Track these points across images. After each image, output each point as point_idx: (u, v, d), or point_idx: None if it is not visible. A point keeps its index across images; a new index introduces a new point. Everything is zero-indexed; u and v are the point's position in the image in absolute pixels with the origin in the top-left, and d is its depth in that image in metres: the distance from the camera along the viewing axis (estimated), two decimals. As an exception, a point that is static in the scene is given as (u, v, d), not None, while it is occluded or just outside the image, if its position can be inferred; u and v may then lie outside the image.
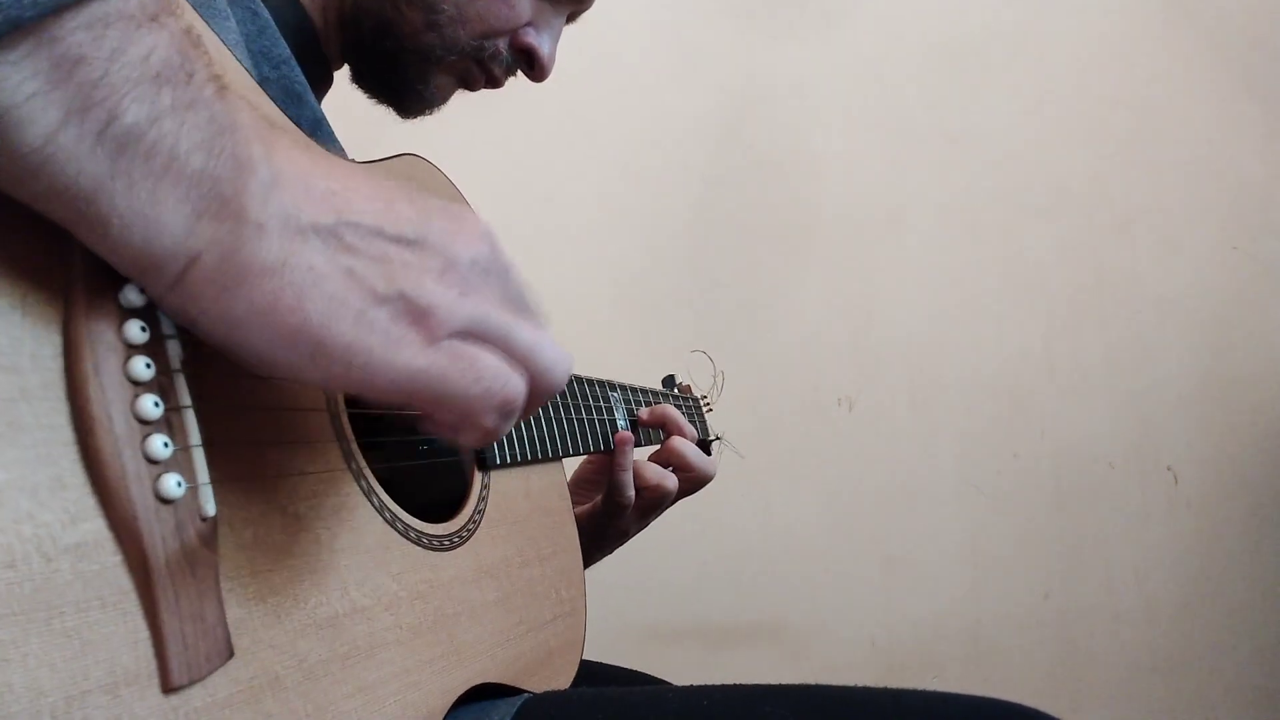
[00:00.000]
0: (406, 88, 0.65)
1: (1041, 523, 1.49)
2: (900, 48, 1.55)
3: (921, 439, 1.50)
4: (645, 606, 1.44)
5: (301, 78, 0.55)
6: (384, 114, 0.69)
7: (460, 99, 0.71)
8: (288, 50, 0.55)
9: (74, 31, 0.24)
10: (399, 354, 0.31)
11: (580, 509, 0.80)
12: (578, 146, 1.50)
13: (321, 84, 0.68)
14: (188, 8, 0.30)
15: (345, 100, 0.69)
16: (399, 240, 0.32)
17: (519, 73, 0.68)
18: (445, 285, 0.32)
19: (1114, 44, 1.54)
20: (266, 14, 0.55)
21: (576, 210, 1.50)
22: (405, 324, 0.31)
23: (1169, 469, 1.48)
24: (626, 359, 1.43)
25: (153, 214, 0.27)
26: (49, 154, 0.25)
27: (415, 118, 0.69)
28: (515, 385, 0.34)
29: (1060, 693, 1.46)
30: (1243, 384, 1.49)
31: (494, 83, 0.67)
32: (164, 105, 0.26)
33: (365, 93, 0.68)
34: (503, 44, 0.64)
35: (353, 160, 0.34)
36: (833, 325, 1.51)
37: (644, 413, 0.83)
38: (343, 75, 0.69)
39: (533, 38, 0.65)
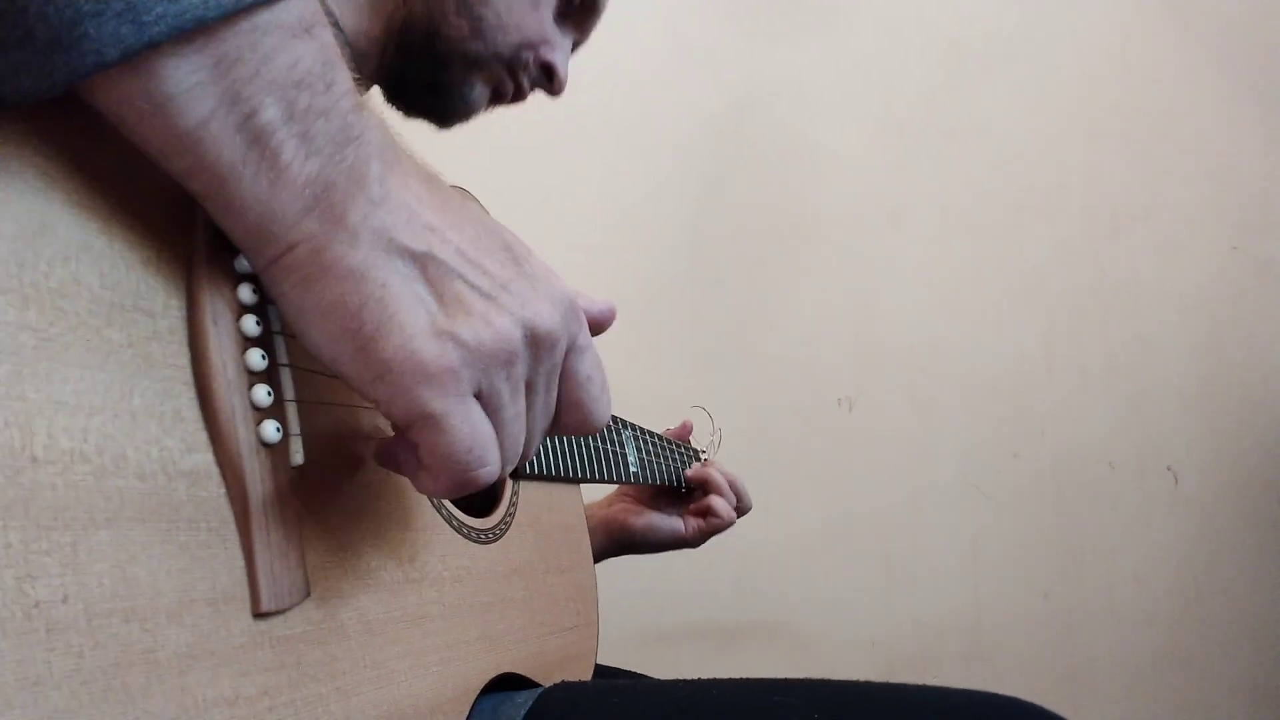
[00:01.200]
0: (451, 91, 0.69)
1: (1041, 523, 1.49)
2: (900, 48, 1.55)
3: (921, 439, 1.50)
4: (645, 607, 1.44)
5: None
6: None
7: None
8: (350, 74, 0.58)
9: (237, 35, 0.28)
10: (424, 389, 0.32)
11: (627, 513, 0.93)
12: (577, 146, 1.50)
13: None
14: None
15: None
16: (477, 288, 0.33)
17: (537, 91, 0.74)
18: (499, 343, 0.33)
19: (1114, 44, 1.55)
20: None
21: (576, 210, 1.50)
22: (443, 365, 0.32)
23: (1169, 469, 1.49)
24: (626, 359, 1.43)
25: (268, 202, 0.30)
26: (199, 137, 0.28)
27: (452, 126, 0.73)
28: (489, 472, 0.35)
29: (1060, 693, 1.46)
30: (1243, 384, 1.49)
31: (520, 94, 0.72)
32: (299, 109, 0.30)
33: (402, 110, 0.72)
34: (531, 57, 0.70)
35: (473, 202, 0.36)
36: (833, 325, 1.52)
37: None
38: None
39: (552, 54, 0.71)
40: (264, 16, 0.28)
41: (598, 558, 0.93)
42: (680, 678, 0.55)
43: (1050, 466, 1.49)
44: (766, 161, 1.54)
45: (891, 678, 0.55)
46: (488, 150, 1.46)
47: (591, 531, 0.91)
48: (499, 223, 0.37)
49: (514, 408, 0.35)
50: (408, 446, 0.36)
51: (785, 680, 0.52)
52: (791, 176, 1.53)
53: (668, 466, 0.93)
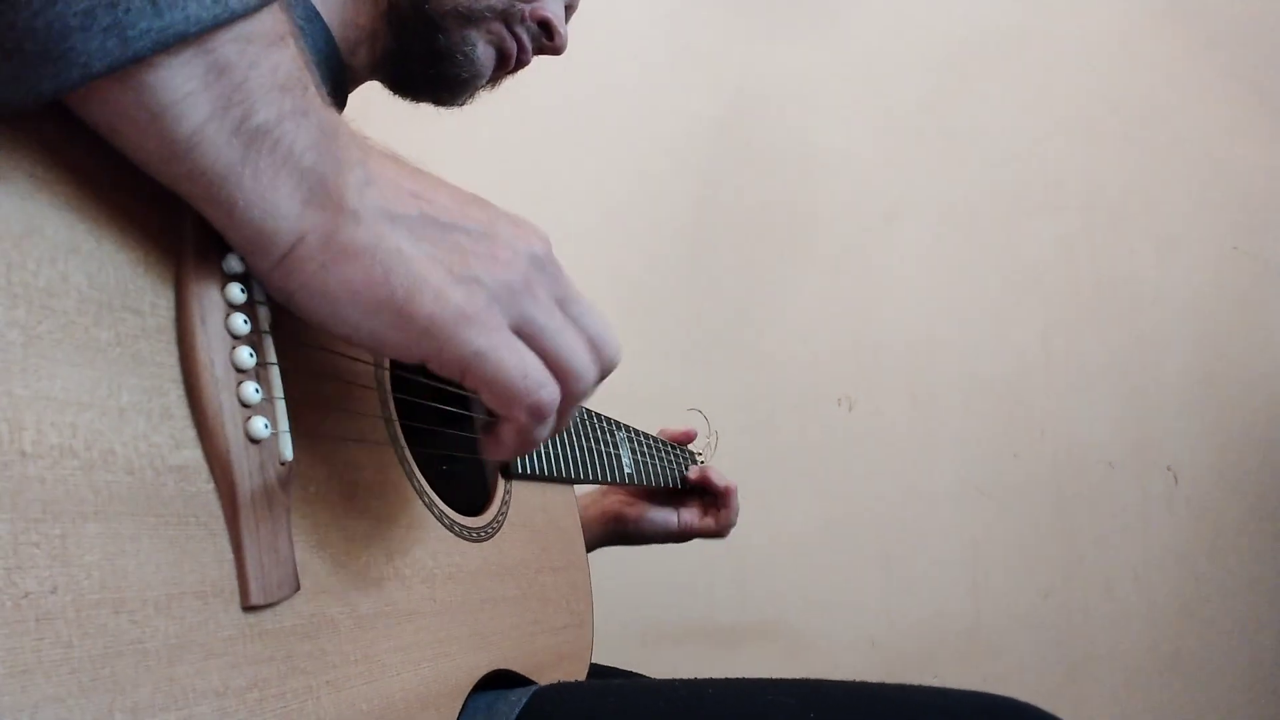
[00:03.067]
0: (453, 53, 0.69)
1: (1041, 523, 1.49)
2: (899, 47, 1.55)
3: (921, 439, 1.50)
4: (644, 606, 1.44)
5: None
6: (390, 135, 0.70)
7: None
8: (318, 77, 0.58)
9: (225, 44, 0.30)
10: (466, 330, 0.35)
11: (623, 504, 0.95)
12: (577, 145, 1.50)
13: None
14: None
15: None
16: (472, 234, 0.37)
17: (534, 60, 0.74)
18: (511, 274, 0.37)
19: (1114, 44, 1.55)
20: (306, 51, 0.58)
21: (575, 209, 1.50)
22: (476, 305, 0.35)
23: (1169, 469, 1.48)
24: (626, 358, 1.43)
25: (271, 198, 0.32)
26: (195, 142, 0.30)
27: (462, 99, 0.73)
28: (550, 391, 0.38)
29: (1060, 693, 1.45)
30: (1243, 384, 1.49)
31: (523, 53, 0.72)
32: (286, 110, 0.32)
33: (409, 95, 0.72)
34: (527, 10, 0.70)
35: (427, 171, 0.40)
36: (832, 325, 1.52)
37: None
38: (352, 109, 0.70)
39: (546, 10, 0.71)
40: (244, 27, 0.30)
41: (591, 548, 0.93)
42: (676, 677, 0.55)
43: (1050, 466, 1.49)
44: (765, 161, 1.54)
45: (891, 678, 0.55)
46: (488, 149, 1.47)
47: (585, 523, 0.93)
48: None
49: (553, 322, 0.38)
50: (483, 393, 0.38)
51: (781, 680, 0.52)
52: (790, 176, 1.53)
53: (662, 469, 0.94)
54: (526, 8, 0.70)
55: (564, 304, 0.40)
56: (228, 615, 0.33)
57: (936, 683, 0.53)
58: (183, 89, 0.29)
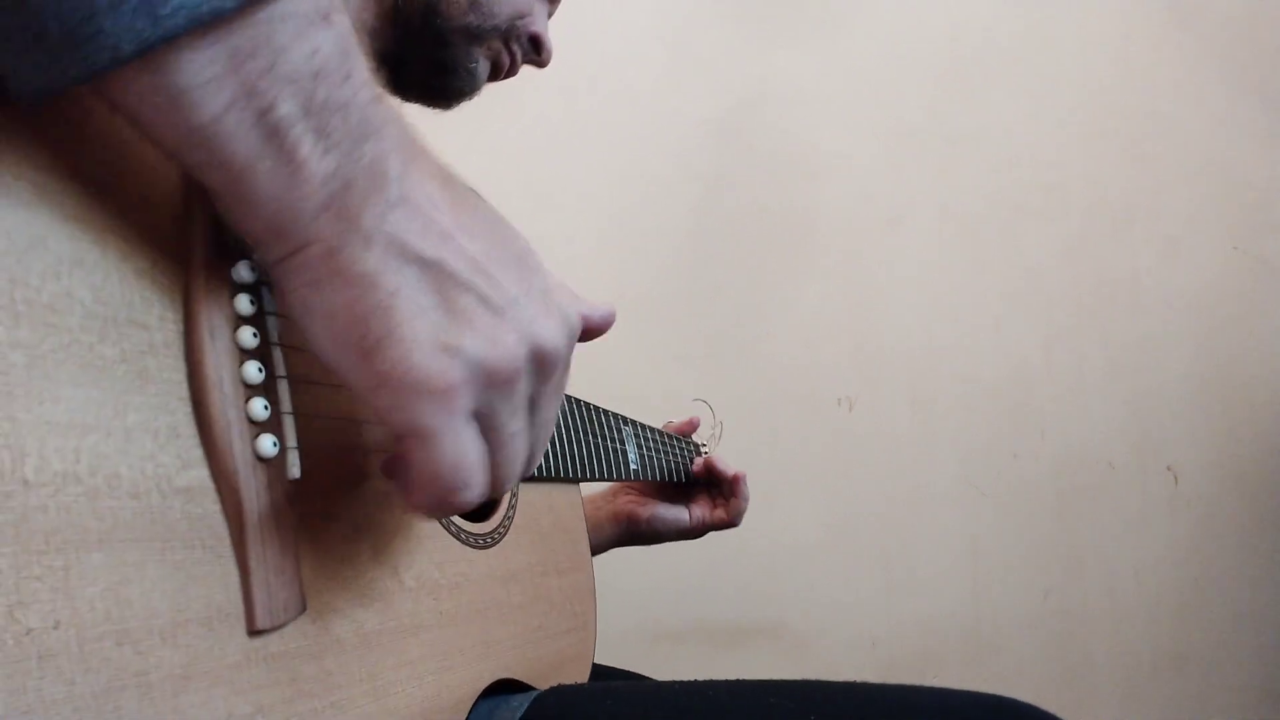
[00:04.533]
0: (457, 68, 0.70)
1: (1041, 523, 1.49)
2: (900, 50, 1.55)
3: (921, 439, 1.50)
4: (646, 607, 1.44)
5: None
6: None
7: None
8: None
9: (253, 26, 0.27)
10: (421, 404, 0.31)
11: (635, 504, 0.95)
12: (579, 149, 1.50)
13: None
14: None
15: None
16: (485, 302, 0.32)
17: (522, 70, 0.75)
18: (502, 363, 0.32)
19: (1114, 45, 1.54)
20: None
21: (577, 212, 1.50)
22: (444, 381, 0.31)
23: (1169, 469, 1.48)
24: (628, 359, 1.43)
25: (284, 198, 0.29)
26: (215, 130, 0.28)
27: (455, 105, 0.74)
28: (471, 494, 0.34)
29: (1060, 692, 1.46)
30: (1243, 384, 1.49)
31: (514, 67, 0.73)
32: (317, 102, 0.29)
33: (396, 94, 0.72)
34: (523, 26, 0.71)
35: (486, 205, 0.35)
36: (833, 325, 1.51)
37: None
38: None
39: (537, 25, 0.72)
40: (281, 6, 0.28)
41: (604, 548, 0.94)
42: (678, 679, 0.55)
43: (1050, 467, 1.49)
44: (767, 164, 1.53)
45: (891, 677, 0.55)
46: (490, 152, 1.46)
47: (599, 524, 0.93)
48: (513, 227, 0.36)
49: (513, 426, 0.35)
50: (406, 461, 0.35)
51: (781, 681, 0.52)
52: (793, 179, 1.53)
53: (668, 462, 0.93)
54: (522, 24, 0.71)
55: (535, 406, 0.36)
56: (233, 641, 0.32)
57: (936, 683, 0.53)
58: (205, 73, 0.27)
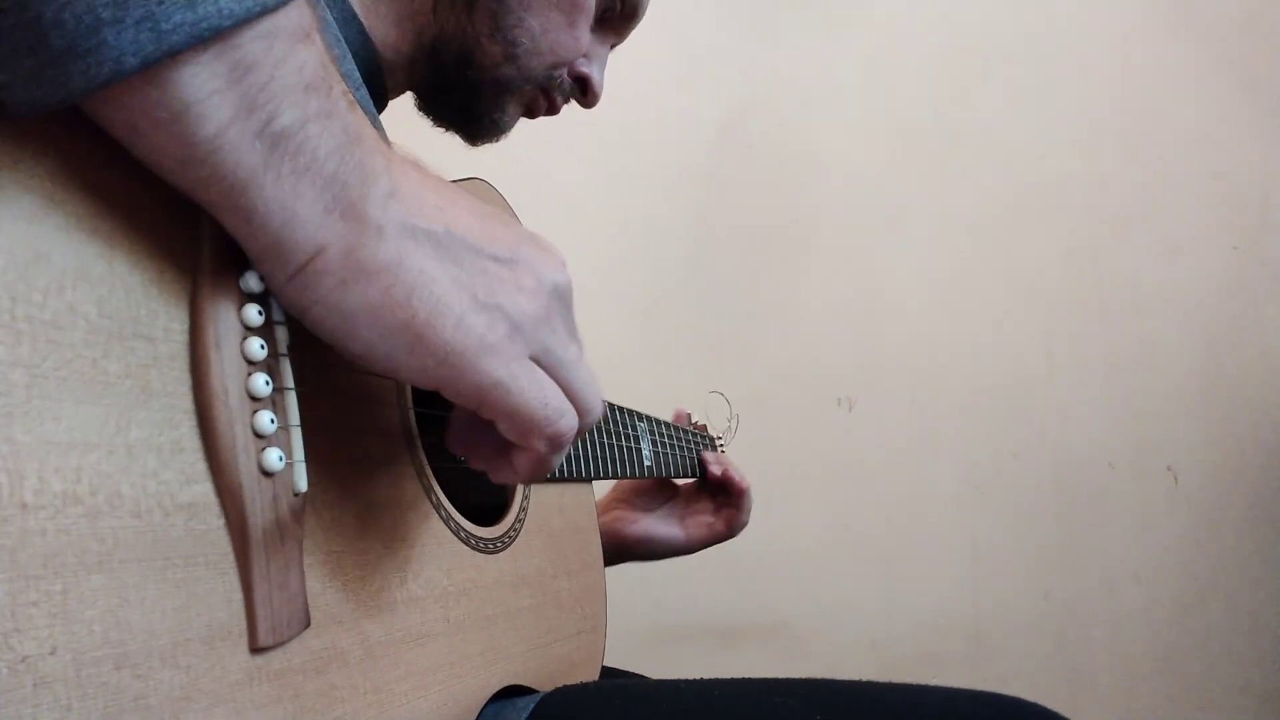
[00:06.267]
0: (483, 116, 0.69)
1: (1041, 523, 1.49)
2: (901, 49, 1.55)
3: (921, 439, 1.50)
4: (646, 607, 1.44)
5: (372, 106, 0.58)
6: (392, 135, 0.70)
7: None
8: (360, 78, 0.57)
9: (250, 41, 0.28)
10: (487, 360, 0.34)
11: (621, 523, 0.94)
12: (579, 148, 1.49)
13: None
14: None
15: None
16: (496, 259, 0.35)
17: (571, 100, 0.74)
18: (535, 304, 0.36)
19: (1114, 45, 1.54)
20: (343, 42, 0.56)
21: (577, 211, 1.49)
22: (498, 334, 0.34)
23: (1169, 469, 1.48)
24: (629, 359, 1.43)
25: (291, 206, 0.30)
26: (217, 145, 0.28)
27: (482, 145, 0.73)
28: (569, 420, 0.37)
29: (1060, 693, 1.46)
30: (1243, 384, 1.49)
31: (554, 110, 0.72)
32: (311, 112, 0.30)
33: (433, 120, 0.72)
34: (565, 73, 0.69)
35: (445, 180, 0.38)
36: (833, 325, 1.51)
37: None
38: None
39: (587, 67, 0.70)
40: (271, 23, 0.28)
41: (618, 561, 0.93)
42: (681, 678, 0.55)
43: (1050, 467, 1.49)
44: (768, 164, 1.53)
45: (891, 678, 0.54)
46: (492, 152, 1.45)
47: None
48: (473, 196, 0.38)
49: (569, 355, 0.38)
50: (479, 430, 0.38)
51: (786, 680, 0.52)
52: (793, 178, 1.53)
53: (682, 457, 0.92)
54: (564, 72, 0.69)
55: (573, 337, 0.39)
56: (235, 659, 0.31)
57: (936, 682, 0.53)
58: (206, 88, 0.27)
